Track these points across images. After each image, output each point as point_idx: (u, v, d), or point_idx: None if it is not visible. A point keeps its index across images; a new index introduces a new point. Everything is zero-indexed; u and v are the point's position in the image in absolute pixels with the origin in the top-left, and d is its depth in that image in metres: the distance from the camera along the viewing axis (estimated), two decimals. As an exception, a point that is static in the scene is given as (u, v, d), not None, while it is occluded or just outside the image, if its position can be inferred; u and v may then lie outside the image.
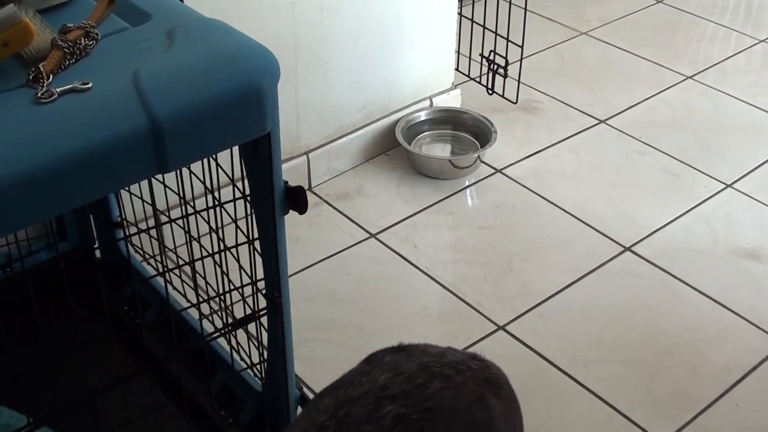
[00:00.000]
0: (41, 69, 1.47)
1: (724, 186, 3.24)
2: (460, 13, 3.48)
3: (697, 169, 3.32)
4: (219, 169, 1.82)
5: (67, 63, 1.52)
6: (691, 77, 3.91)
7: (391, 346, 1.68)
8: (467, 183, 3.26)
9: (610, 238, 2.98)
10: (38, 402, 1.76)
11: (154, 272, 2.44)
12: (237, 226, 1.88)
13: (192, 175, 1.95)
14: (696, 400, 2.44)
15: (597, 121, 3.59)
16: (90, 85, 1.45)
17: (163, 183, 1.98)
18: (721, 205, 3.16)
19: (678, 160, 3.37)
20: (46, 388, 1.68)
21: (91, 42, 1.56)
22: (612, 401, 2.42)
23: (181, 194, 1.95)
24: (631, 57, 4.06)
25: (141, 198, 2.27)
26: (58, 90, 1.44)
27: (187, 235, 2.00)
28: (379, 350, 1.66)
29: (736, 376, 2.51)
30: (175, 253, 2.27)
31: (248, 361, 2.10)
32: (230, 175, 1.81)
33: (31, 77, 1.47)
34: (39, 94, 1.43)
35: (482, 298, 2.74)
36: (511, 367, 2.46)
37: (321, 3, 2.93)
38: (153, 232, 2.22)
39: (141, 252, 2.50)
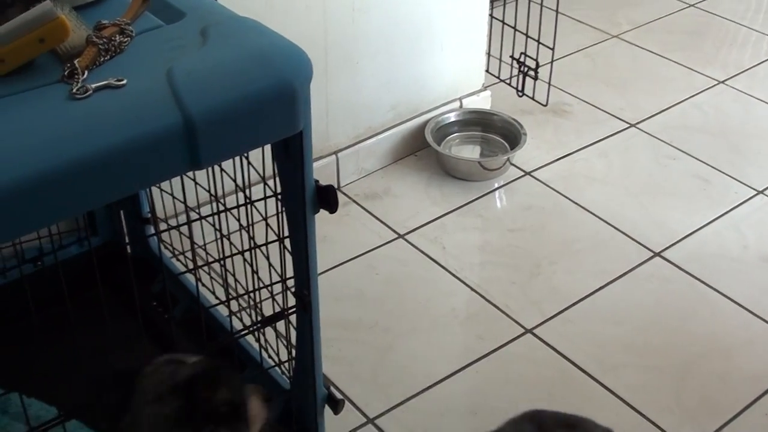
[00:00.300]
0: (76, 65, 1.48)
1: (755, 192, 3.23)
2: (491, 15, 3.48)
3: (728, 175, 3.31)
4: (250, 166, 1.82)
5: (102, 59, 1.53)
6: (722, 82, 3.89)
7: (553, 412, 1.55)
8: (496, 185, 3.26)
9: (640, 243, 2.97)
10: (68, 395, 1.77)
11: (183, 269, 2.45)
12: (267, 224, 1.89)
13: (223, 172, 1.96)
14: (725, 407, 2.43)
15: (627, 125, 3.58)
16: (124, 81, 1.46)
17: (194, 180, 1.99)
18: (752, 211, 3.14)
19: (709, 165, 3.35)
20: (76, 382, 1.68)
21: (125, 39, 1.57)
22: (640, 407, 2.41)
23: (213, 191, 1.96)
24: (663, 61, 4.04)
25: (172, 194, 2.28)
26: (93, 86, 1.45)
27: (218, 232, 2.01)
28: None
29: (767, 384, 2.49)
30: (205, 250, 2.28)
31: (276, 358, 2.10)
32: (261, 173, 1.82)
33: (66, 73, 1.48)
34: (74, 90, 1.44)
35: (510, 301, 2.74)
36: (538, 370, 2.47)
37: (352, 3, 2.93)
38: (183, 229, 2.23)
39: (171, 248, 2.51)
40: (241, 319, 2.23)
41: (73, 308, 1.60)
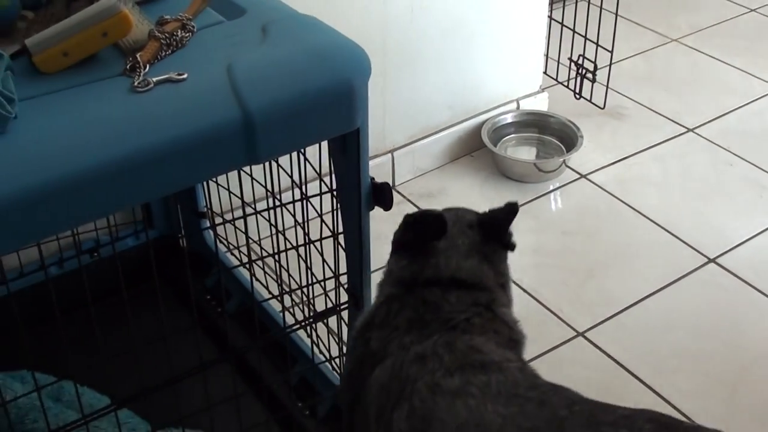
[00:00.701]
0: (138, 59, 1.51)
1: (812, 200, 3.20)
2: (549, 16, 3.48)
3: (786, 182, 3.29)
4: (306, 163, 1.84)
5: (164, 54, 1.55)
6: (782, 88, 3.87)
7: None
8: (551, 187, 3.25)
9: (695, 249, 2.95)
10: (121, 384, 1.79)
11: (237, 263, 2.47)
12: (322, 220, 1.90)
13: (279, 168, 1.97)
14: (777, 414, 2.42)
15: (685, 130, 3.56)
16: (185, 76, 1.48)
17: (251, 175, 2.00)
18: (809, 220, 3.12)
19: (767, 171, 3.32)
20: (129, 371, 1.70)
21: (187, 34, 1.59)
22: (691, 414, 2.40)
23: (269, 187, 1.97)
24: (722, 65, 4.01)
25: (228, 189, 2.30)
26: (154, 80, 1.47)
27: (273, 227, 2.03)
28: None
29: (819, 392, 2.48)
30: (260, 245, 2.30)
31: (327, 354, 2.11)
32: (317, 170, 1.83)
33: (128, 66, 1.51)
34: (136, 83, 1.47)
35: (563, 304, 2.74)
36: (589, 374, 2.47)
37: (411, 3, 2.94)
38: (239, 223, 2.24)
39: (226, 242, 2.53)
40: (293, 314, 2.24)
41: (128, 300, 1.62)
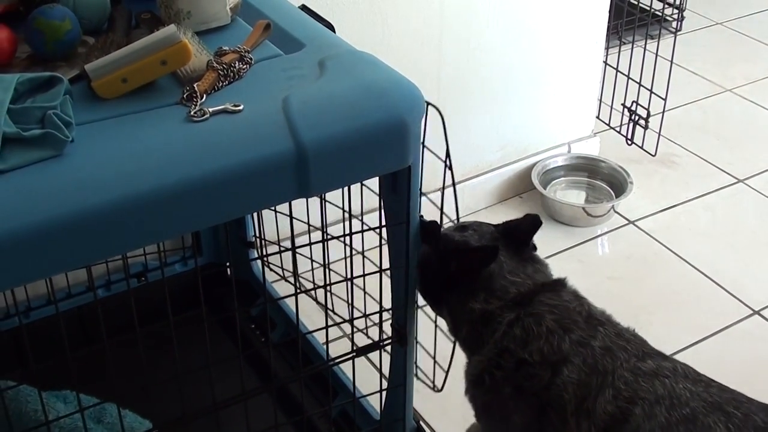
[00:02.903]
0: (196, 88, 1.53)
1: None
2: (605, 62, 3.48)
3: (836, 237, 3.26)
4: (360, 196, 1.85)
5: (221, 84, 1.57)
6: (835, 143, 3.84)
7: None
8: (599, 232, 3.25)
9: (740, 300, 2.94)
10: (162, 409, 1.80)
11: (283, 293, 2.48)
12: (363, 256, 1.91)
13: (334, 200, 1.98)
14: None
15: (735, 180, 3.55)
16: (241, 107, 1.50)
17: (290, 215, 2.01)
18: None
19: (816, 226, 3.31)
20: (171, 397, 1.71)
21: (244, 66, 1.61)
22: None
23: (319, 219, 1.98)
24: (776, 118, 4.00)
25: (285, 215, 2.31)
26: (211, 110, 1.49)
27: (334, 254, 2.03)
28: None
29: None
30: (306, 278, 2.31)
31: (368, 388, 2.12)
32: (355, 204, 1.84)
33: (185, 95, 1.53)
34: (192, 113, 1.48)
35: (605, 349, 2.72)
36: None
37: (468, 41, 2.95)
38: (287, 254, 2.26)
39: (281, 270, 2.54)
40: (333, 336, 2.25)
41: (173, 325, 1.63)
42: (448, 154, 1.80)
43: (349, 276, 1.92)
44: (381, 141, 1.56)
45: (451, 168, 1.82)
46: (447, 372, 2.08)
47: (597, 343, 1.72)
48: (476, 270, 1.82)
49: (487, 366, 1.79)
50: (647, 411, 1.60)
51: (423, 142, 1.82)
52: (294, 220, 1.83)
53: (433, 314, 2.03)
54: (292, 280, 2.48)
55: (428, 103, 1.67)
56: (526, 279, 1.85)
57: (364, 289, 2.01)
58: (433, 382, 2.15)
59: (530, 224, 1.95)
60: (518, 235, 1.93)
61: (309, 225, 2.19)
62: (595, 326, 1.76)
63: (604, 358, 1.69)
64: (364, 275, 1.92)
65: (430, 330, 2.09)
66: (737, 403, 1.63)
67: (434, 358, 2.12)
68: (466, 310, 1.83)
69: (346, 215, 1.91)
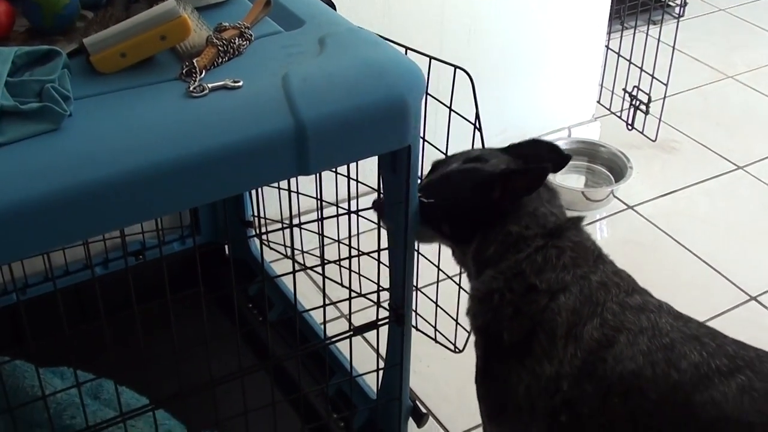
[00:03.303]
0: (195, 64, 1.52)
1: None
2: (606, 46, 3.47)
3: (835, 225, 3.26)
4: (356, 177, 1.85)
5: (220, 61, 1.57)
6: (836, 131, 3.84)
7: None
8: (598, 216, 3.24)
9: (737, 286, 2.93)
10: (159, 386, 1.80)
11: (281, 272, 2.48)
12: (357, 237, 1.91)
13: (336, 176, 1.98)
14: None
15: (735, 167, 3.54)
16: (240, 83, 1.49)
17: (296, 191, 2.01)
18: None
19: (815, 213, 3.30)
20: (168, 374, 1.72)
21: (244, 42, 1.61)
22: None
23: (316, 199, 1.98)
24: (777, 105, 4.00)
25: (288, 191, 2.31)
26: (210, 86, 1.48)
27: (331, 233, 2.03)
28: None
29: None
30: (302, 257, 2.31)
31: (365, 368, 2.12)
32: (367, 184, 1.84)
33: (184, 71, 1.52)
34: (191, 88, 1.48)
35: (602, 333, 2.72)
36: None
37: (469, 25, 2.95)
38: (284, 233, 2.26)
39: (283, 247, 2.54)
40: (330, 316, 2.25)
41: (170, 303, 1.63)
42: (477, 116, 1.80)
43: (347, 255, 1.92)
44: (381, 120, 1.56)
45: (480, 130, 1.81)
46: (469, 333, 2.08)
47: (595, 277, 1.80)
48: (525, 193, 1.82)
49: (501, 286, 1.80)
50: (630, 339, 1.72)
51: (450, 107, 1.85)
52: (292, 200, 1.84)
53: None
54: (281, 263, 2.49)
55: (458, 67, 1.67)
56: (559, 211, 1.89)
57: (359, 270, 2.01)
58: (455, 344, 2.18)
59: (547, 152, 1.97)
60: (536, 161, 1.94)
61: (319, 200, 2.18)
62: (598, 264, 1.84)
63: (598, 291, 1.78)
64: (359, 255, 1.92)
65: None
66: (713, 336, 1.75)
67: (456, 320, 2.14)
68: (503, 232, 1.81)
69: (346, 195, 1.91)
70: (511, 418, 1.86)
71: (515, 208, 1.82)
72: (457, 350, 2.17)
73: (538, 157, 1.92)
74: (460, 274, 2.00)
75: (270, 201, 2.46)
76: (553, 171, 1.87)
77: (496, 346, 1.83)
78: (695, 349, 1.70)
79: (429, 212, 1.83)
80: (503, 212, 1.81)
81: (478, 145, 1.88)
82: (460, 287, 2.09)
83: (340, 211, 1.92)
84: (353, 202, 1.90)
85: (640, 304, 1.79)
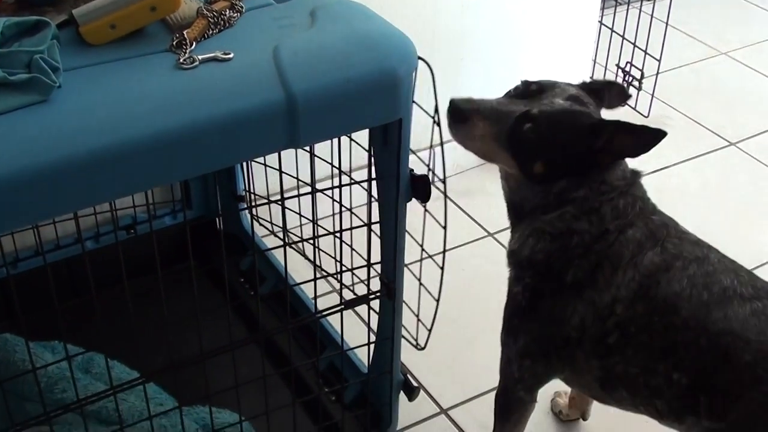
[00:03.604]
0: (185, 36, 1.52)
1: None
2: (600, 21, 3.46)
3: (826, 202, 3.26)
4: (348, 151, 1.84)
5: (211, 32, 1.56)
6: (829, 108, 3.83)
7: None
8: (590, 192, 3.24)
9: (729, 262, 2.93)
10: (150, 360, 1.80)
11: (271, 247, 2.48)
12: (351, 212, 1.91)
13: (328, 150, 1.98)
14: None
15: (727, 143, 3.54)
16: (231, 55, 1.49)
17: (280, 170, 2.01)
18: None
19: (807, 191, 3.30)
20: (159, 348, 1.72)
21: (235, 14, 1.60)
22: None
23: (308, 172, 1.98)
24: (769, 81, 4.00)
25: (277, 168, 2.30)
26: (200, 57, 1.48)
27: (323, 208, 2.02)
28: None
29: None
30: (294, 232, 2.30)
31: (356, 341, 2.12)
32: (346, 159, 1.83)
33: (174, 43, 1.52)
34: (181, 60, 1.48)
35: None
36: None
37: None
38: (276, 207, 2.25)
39: (269, 223, 2.54)
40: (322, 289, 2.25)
41: (161, 277, 1.63)
42: (436, 110, 1.79)
43: (336, 230, 1.92)
44: (372, 93, 1.56)
45: (439, 125, 1.80)
46: (430, 330, 2.08)
47: (657, 218, 1.90)
48: (635, 153, 1.86)
49: (584, 228, 1.85)
50: (684, 265, 1.84)
51: (412, 98, 1.82)
52: (283, 175, 1.83)
53: (417, 272, 2.03)
54: (280, 234, 2.49)
55: (419, 58, 1.67)
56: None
57: (351, 244, 2.01)
58: (416, 340, 2.15)
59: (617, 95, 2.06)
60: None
61: (299, 179, 2.18)
62: (655, 209, 1.94)
63: (659, 229, 1.88)
64: (345, 229, 1.92)
65: (413, 288, 2.09)
66: (750, 273, 1.90)
67: (417, 315, 2.12)
68: (600, 181, 1.84)
69: (336, 170, 1.91)
70: (551, 351, 1.94)
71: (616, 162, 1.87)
72: (419, 347, 2.16)
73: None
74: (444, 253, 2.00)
75: (260, 175, 2.45)
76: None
77: (552, 282, 1.88)
78: (729, 277, 1.84)
79: (523, 143, 1.84)
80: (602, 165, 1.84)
81: (437, 138, 1.85)
82: (420, 283, 2.08)
83: (331, 184, 1.92)
84: (344, 177, 1.90)
85: (696, 240, 1.93)
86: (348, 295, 2.02)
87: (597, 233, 1.83)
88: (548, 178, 1.85)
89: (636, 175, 1.92)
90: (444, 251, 1.98)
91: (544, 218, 1.87)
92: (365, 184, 1.83)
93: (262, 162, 2.33)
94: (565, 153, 1.82)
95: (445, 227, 1.92)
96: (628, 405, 1.97)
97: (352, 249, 2.07)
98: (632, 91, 3.45)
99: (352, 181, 1.85)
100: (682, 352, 1.81)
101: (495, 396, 2.08)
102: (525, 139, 1.82)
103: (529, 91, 1.95)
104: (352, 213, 2.03)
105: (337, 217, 2.02)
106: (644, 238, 1.85)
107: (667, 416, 1.91)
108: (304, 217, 2.21)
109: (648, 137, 1.82)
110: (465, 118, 1.90)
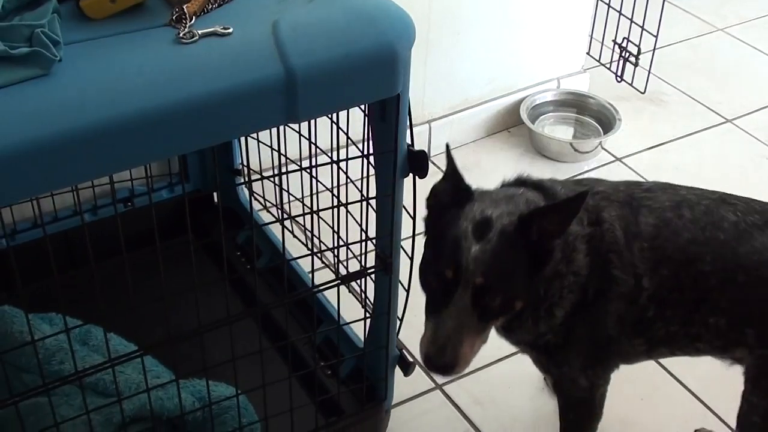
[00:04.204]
0: (185, 10, 1.52)
1: None
2: (597, -3, 3.47)
3: (822, 179, 3.27)
4: (346, 126, 1.85)
5: (211, 7, 1.56)
6: (825, 85, 3.84)
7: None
8: (586, 168, 3.25)
9: (725, 238, 2.94)
10: (148, 333, 1.81)
11: (268, 221, 2.48)
12: (352, 183, 1.91)
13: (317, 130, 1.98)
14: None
15: (724, 120, 3.55)
16: (231, 30, 1.49)
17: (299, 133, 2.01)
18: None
19: (803, 167, 3.31)
20: (157, 321, 1.72)
21: (235, -11, 1.60)
22: (708, 401, 2.41)
23: (306, 147, 1.98)
24: (766, 58, 3.98)
25: (267, 145, 2.30)
26: (200, 32, 1.49)
27: (315, 182, 2.03)
28: None
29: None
30: (290, 205, 2.31)
31: (352, 316, 2.13)
32: (345, 133, 1.84)
33: (174, 17, 1.52)
34: (181, 35, 1.48)
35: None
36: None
37: (459, -27, 2.95)
38: (271, 186, 2.26)
39: (262, 199, 2.54)
40: (320, 267, 2.26)
41: (159, 250, 1.63)
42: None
43: (333, 205, 1.93)
44: (370, 68, 1.56)
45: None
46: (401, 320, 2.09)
47: (600, 188, 1.91)
48: (563, 228, 1.73)
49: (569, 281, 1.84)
50: (677, 213, 1.88)
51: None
52: (280, 150, 1.83)
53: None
54: (274, 210, 2.49)
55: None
56: (534, 197, 1.85)
57: (347, 219, 2.01)
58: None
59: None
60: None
61: (301, 153, 2.18)
62: (600, 186, 1.94)
63: (627, 194, 1.90)
64: (346, 204, 1.93)
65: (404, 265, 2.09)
66: (735, 197, 1.95)
67: (408, 291, 2.12)
68: (557, 274, 1.82)
69: (333, 144, 1.91)
70: (603, 356, 1.97)
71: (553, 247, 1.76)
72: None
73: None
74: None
75: (256, 150, 2.45)
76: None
77: (581, 309, 1.87)
78: (729, 210, 1.89)
79: (487, 301, 1.71)
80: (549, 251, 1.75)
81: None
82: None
83: (327, 160, 1.92)
84: (342, 152, 1.90)
85: (662, 186, 1.95)
86: (344, 270, 2.03)
87: (606, 286, 1.85)
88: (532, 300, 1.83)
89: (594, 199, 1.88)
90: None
91: (545, 320, 1.90)
92: (365, 159, 1.83)
93: (258, 138, 2.34)
94: (520, 276, 1.74)
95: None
96: (667, 355, 2.04)
97: (349, 222, 2.08)
98: (629, 67, 3.46)
99: (341, 158, 1.84)
100: (716, 296, 1.85)
101: (567, 411, 2.08)
102: (491, 307, 1.72)
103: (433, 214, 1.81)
104: (350, 183, 2.03)
105: (333, 191, 2.02)
106: (620, 210, 1.86)
107: (710, 353, 1.99)
108: (292, 195, 2.22)
109: (571, 206, 1.70)
110: (453, 366, 1.74)
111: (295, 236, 2.41)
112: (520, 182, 1.90)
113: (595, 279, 1.84)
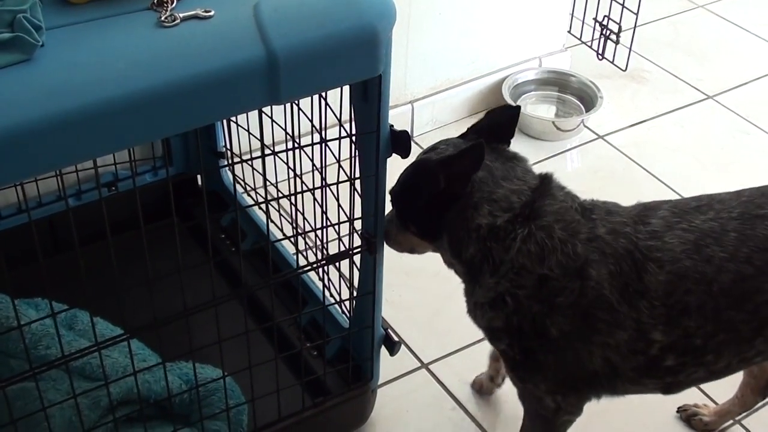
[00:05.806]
0: (166, -6, 1.52)
1: (828, 173, 3.20)
2: (578, -25, 3.47)
3: (803, 153, 3.29)
4: (327, 107, 1.85)
5: (192, -10, 1.56)
6: (806, 60, 3.85)
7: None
8: (568, 146, 3.26)
9: (707, 214, 2.96)
10: (134, 317, 1.81)
11: (252, 203, 2.49)
12: (340, 166, 1.92)
13: (300, 111, 1.98)
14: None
15: (705, 96, 3.56)
16: (212, 12, 1.49)
17: (271, 117, 2.01)
18: (823, 192, 3.11)
19: (784, 142, 3.33)
20: (142, 304, 1.72)
21: (216, -28, 1.60)
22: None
23: (289, 129, 1.98)
24: (747, 35, 4.00)
25: (246, 130, 2.30)
26: (181, 15, 1.48)
27: (303, 165, 2.03)
28: None
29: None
30: (276, 187, 2.31)
31: (337, 297, 2.14)
32: (337, 115, 1.84)
33: (156, 1, 1.52)
34: (162, 18, 1.48)
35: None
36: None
37: (440, -47, 2.95)
38: (256, 164, 2.26)
39: (243, 183, 2.55)
40: (306, 257, 2.26)
41: (144, 234, 1.64)
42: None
43: (317, 186, 1.93)
44: (352, 49, 1.56)
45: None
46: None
47: (602, 230, 1.78)
48: (468, 175, 1.75)
49: (508, 287, 1.77)
50: (678, 255, 1.72)
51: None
52: (264, 132, 1.83)
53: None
54: (253, 194, 2.50)
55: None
56: (521, 185, 1.81)
57: (337, 198, 2.02)
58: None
59: (508, 118, 1.93)
60: (496, 133, 1.90)
61: (285, 134, 2.18)
62: (590, 216, 1.81)
63: (617, 241, 1.76)
64: (327, 185, 1.93)
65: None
66: (754, 204, 1.83)
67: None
68: (473, 228, 1.78)
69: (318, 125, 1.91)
70: (581, 386, 1.87)
71: (468, 195, 1.77)
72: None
73: (497, 129, 1.90)
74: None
75: (242, 132, 2.45)
76: (503, 141, 1.89)
77: (538, 338, 1.80)
78: (766, 224, 1.75)
79: (397, 211, 1.91)
80: (458, 200, 1.78)
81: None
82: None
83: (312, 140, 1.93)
84: (323, 133, 1.90)
85: (663, 223, 1.80)
86: (331, 250, 2.03)
87: (533, 284, 1.76)
88: (431, 234, 1.87)
89: (539, 192, 1.83)
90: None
91: (475, 289, 1.87)
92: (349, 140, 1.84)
93: (240, 120, 2.34)
94: (419, 204, 1.84)
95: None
96: (697, 384, 2.00)
97: (331, 203, 2.08)
98: (610, 45, 3.47)
99: (326, 139, 1.85)
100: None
101: (530, 419, 2.03)
102: (397, 212, 1.92)
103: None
104: (337, 164, 2.04)
105: (316, 173, 2.03)
106: (615, 266, 1.74)
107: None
108: (268, 181, 2.22)
109: (472, 154, 1.73)
110: (388, 237, 1.97)
111: (281, 217, 2.41)
112: (542, 177, 1.89)
113: (566, 324, 1.76)
